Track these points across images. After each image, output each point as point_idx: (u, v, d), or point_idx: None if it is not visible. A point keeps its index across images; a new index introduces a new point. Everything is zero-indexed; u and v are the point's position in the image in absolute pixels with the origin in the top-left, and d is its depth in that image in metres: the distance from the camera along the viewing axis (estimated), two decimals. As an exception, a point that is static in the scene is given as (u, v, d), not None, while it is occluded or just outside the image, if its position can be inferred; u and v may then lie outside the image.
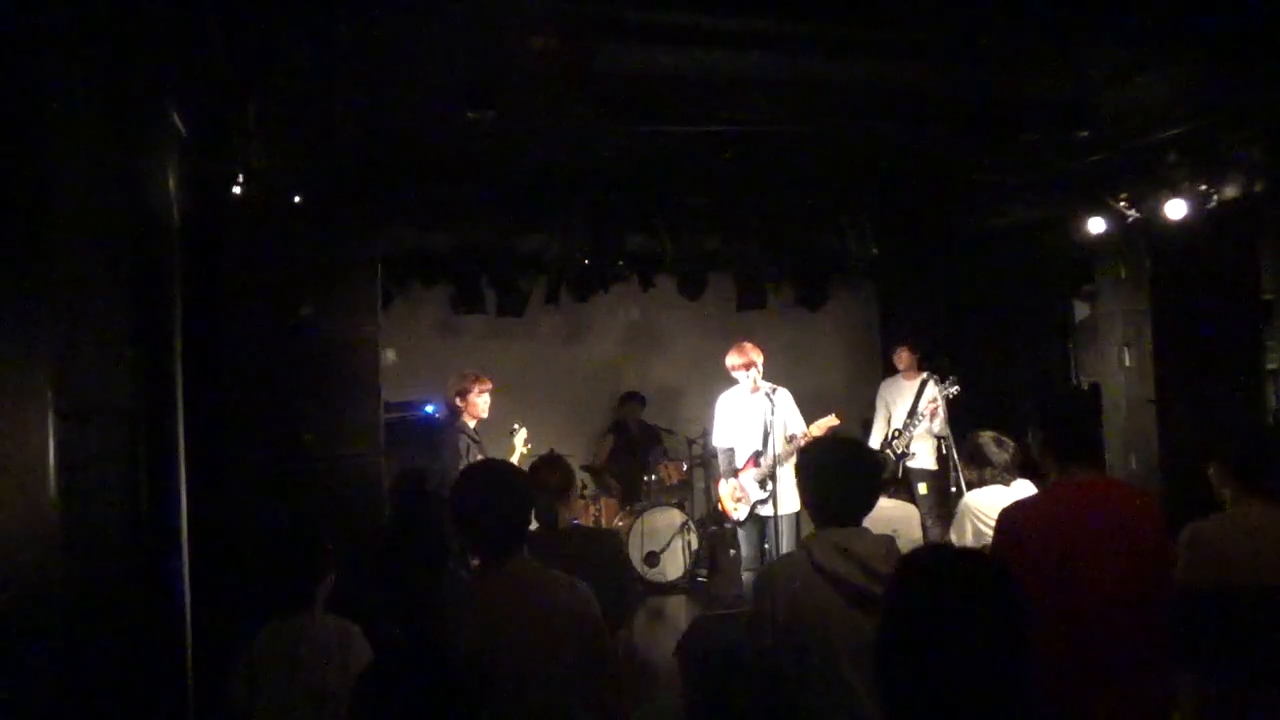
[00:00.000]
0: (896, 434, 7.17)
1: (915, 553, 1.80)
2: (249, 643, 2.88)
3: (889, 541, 2.89)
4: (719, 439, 6.57)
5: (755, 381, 6.25)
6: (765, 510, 6.26)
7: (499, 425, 6.83)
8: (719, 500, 6.67)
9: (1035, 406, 3.25)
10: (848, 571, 2.73)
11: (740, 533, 6.53)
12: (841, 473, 2.91)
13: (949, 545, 1.82)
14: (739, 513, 6.39)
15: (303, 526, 3.11)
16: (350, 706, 1.82)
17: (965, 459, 4.51)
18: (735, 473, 6.39)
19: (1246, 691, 3.15)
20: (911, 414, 7.15)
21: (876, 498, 2.97)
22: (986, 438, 4.44)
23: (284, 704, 2.77)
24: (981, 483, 4.43)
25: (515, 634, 2.62)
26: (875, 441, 7.39)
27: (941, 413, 6.89)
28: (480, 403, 6.27)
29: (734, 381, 6.40)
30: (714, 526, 8.07)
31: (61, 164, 2.53)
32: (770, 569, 2.98)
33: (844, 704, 2.71)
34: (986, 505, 4.32)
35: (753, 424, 6.30)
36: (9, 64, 2.32)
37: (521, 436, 6.54)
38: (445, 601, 3.03)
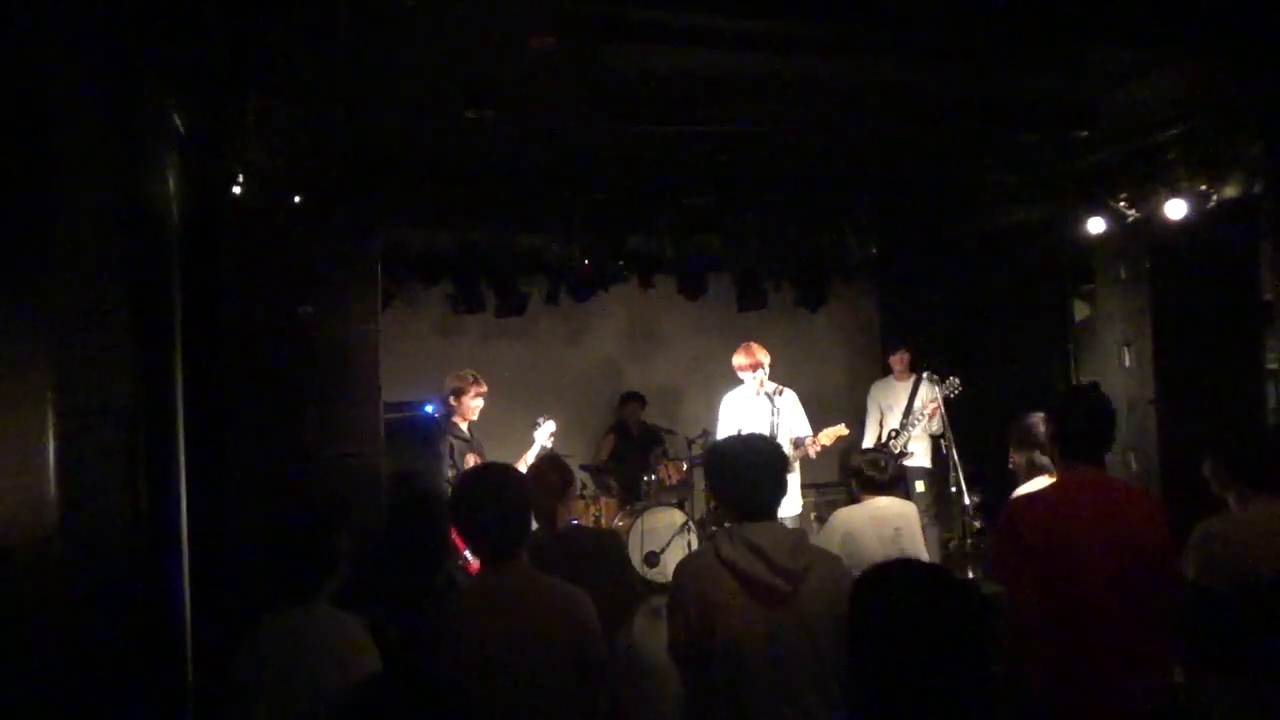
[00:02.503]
0: (894, 434, 7.18)
1: (877, 567, 1.82)
2: (253, 629, 2.89)
3: (799, 535, 2.92)
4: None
5: (761, 382, 6.23)
6: None
7: (503, 424, 6.84)
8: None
9: (1053, 401, 3.26)
10: (752, 566, 2.74)
11: None
12: (747, 467, 2.90)
13: (911, 559, 1.87)
14: None
15: (314, 517, 3.09)
16: None
17: (1014, 441, 4.42)
18: None
19: (1265, 687, 3.15)
20: (907, 414, 7.17)
21: (784, 490, 2.96)
22: (1039, 418, 4.34)
23: (283, 696, 2.77)
24: (1030, 467, 4.34)
25: (510, 640, 2.63)
26: (869, 442, 7.39)
27: (941, 412, 6.90)
28: (473, 405, 6.21)
29: (739, 381, 6.39)
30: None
31: (61, 164, 2.53)
32: (683, 565, 2.99)
33: (752, 699, 2.73)
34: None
35: (758, 426, 6.26)
36: (10, 64, 2.32)
37: (547, 429, 6.30)
38: (442, 605, 3.03)
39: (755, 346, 6.32)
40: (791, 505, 5.97)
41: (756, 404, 6.25)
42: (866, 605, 1.74)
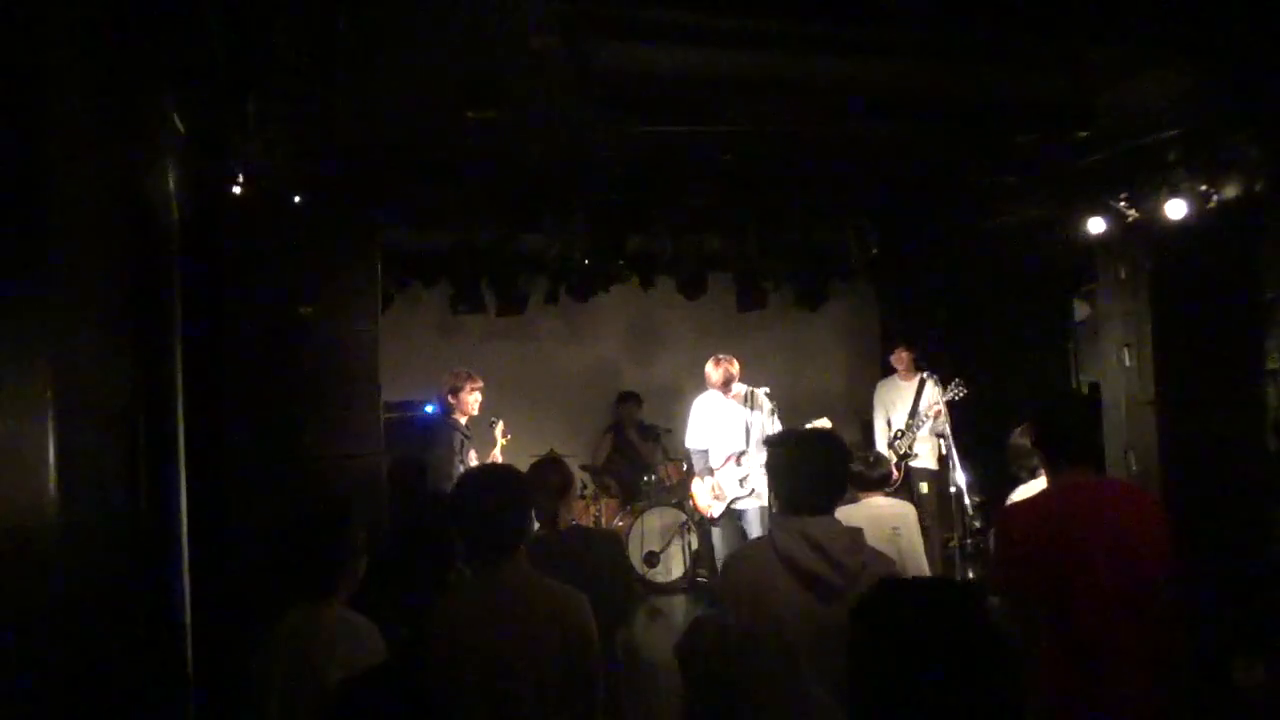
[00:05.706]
0: (899, 435, 7.17)
1: (881, 583, 1.73)
2: (271, 629, 2.89)
3: (855, 533, 2.90)
4: (693, 440, 6.86)
5: (736, 394, 6.62)
6: (740, 505, 6.57)
7: (487, 421, 6.92)
8: (692, 498, 6.98)
9: (1033, 408, 3.23)
10: (809, 559, 2.74)
11: (715, 530, 6.84)
12: (810, 463, 2.91)
13: (916, 576, 1.83)
14: (715, 509, 6.68)
15: (329, 514, 3.07)
16: None
17: (1010, 456, 4.47)
18: (711, 471, 6.67)
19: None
20: (912, 415, 7.15)
21: (845, 487, 2.97)
22: (1017, 431, 4.27)
23: (291, 694, 2.78)
24: (1019, 473, 4.37)
25: (504, 639, 2.62)
26: (879, 443, 7.39)
27: (944, 414, 6.89)
28: (471, 400, 6.46)
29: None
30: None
31: (61, 164, 2.53)
32: (736, 554, 3.00)
33: (796, 695, 2.72)
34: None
35: (729, 425, 6.61)
36: (9, 63, 2.31)
37: (500, 428, 6.73)
38: (439, 603, 3.03)
39: (724, 359, 6.65)
40: (760, 497, 6.32)
41: (729, 405, 6.61)
42: (866, 633, 1.61)
